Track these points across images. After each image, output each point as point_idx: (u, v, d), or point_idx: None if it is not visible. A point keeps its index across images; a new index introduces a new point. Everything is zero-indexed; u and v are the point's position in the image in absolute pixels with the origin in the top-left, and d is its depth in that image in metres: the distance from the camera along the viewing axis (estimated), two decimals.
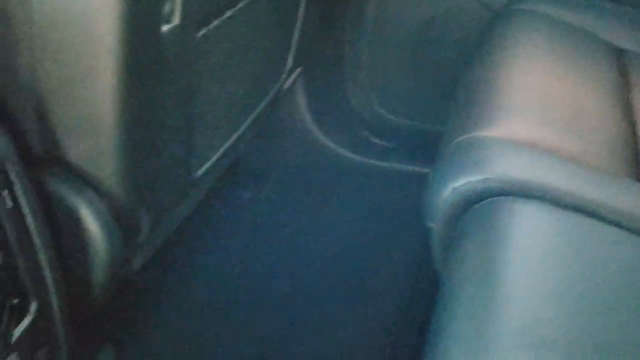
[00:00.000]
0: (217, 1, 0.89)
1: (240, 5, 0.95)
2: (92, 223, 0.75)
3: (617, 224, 0.67)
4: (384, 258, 1.33)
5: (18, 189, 0.67)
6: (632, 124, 0.87)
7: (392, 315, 1.21)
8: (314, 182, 1.48)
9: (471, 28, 1.33)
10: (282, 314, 1.23)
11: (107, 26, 0.68)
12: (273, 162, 1.49)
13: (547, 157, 0.72)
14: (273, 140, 1.47)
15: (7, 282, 0.67)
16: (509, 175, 0.69)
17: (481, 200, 0.68)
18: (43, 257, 0.71)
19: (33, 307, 0.70)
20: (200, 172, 0.97)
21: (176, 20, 0.75)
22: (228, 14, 0.91)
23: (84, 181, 0.75)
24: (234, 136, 1.08)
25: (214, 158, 1.02)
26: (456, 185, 0.69)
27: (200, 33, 0.84)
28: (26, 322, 0.69)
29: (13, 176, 0.67)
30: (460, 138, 0.76)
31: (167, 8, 0.74)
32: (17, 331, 0.68)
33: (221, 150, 1.04)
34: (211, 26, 0.87)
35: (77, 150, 0.74)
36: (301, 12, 1.25)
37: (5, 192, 0.66)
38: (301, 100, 1.44)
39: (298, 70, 1.36)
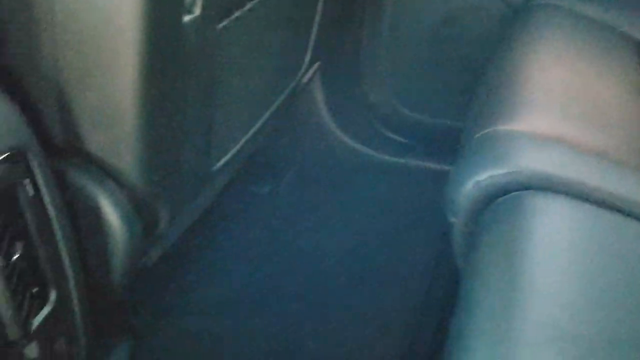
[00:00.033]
0: None
1: None
2: (112, 214, 0.75)
3: None
4: (400, 254, 1.33)
5: (39, 178, 0.67)
6: None
7: (408, 312, 1.21)
8: (330, 177, 1.48)
9: (490, 24, 1.32)
10: (298, 309, 1.23)
11: (129, 15, 0.68)
12: (290, 157, 1.49)
13: (571, 151, 0.72)
14: (290, 136, 1.46)
15: (27, 271, 0.67)
16: (532, 170, 0.68)
17: (504, 194, 0.67)
18: (63, 247, 0.71)
19: (52, 296, 0.70)
20: (218, 165, 0.97)
21: (197, 10, 0.75)
22: (248, 6, 0.91)
23: (105, 172, 0.75)
24: (252, 130, 1.08)
25: (232, 151, 1.02)
26: (479, 179, 0.68)
27: (221, 25, 0.84)
28: (46, 311, 0.69)
29: (34, 165, 0.67)
30: (483, 132, 0.75)
31: None
32: (37, 320, 0.68)
33: (239, 144, 1.04)
34: (232, 17, 0.86)
35: (97, 141, 0.74)
36: (320, 6, 1.24)
37: (27, 181, 0.66)
38: (318, 95, 1.44)
39: (316, 65, 1.35)
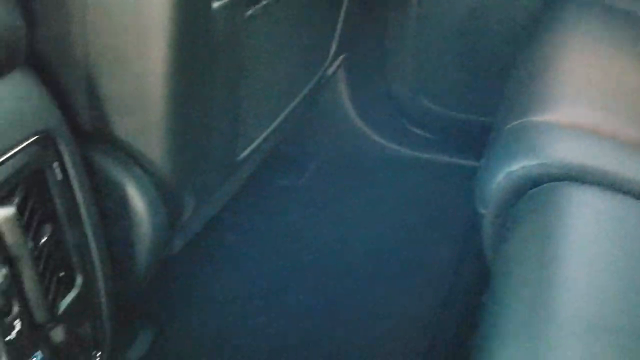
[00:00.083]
0: None
1: None
2: (138, 200, 0.75)
3: None
4: (422, 250, 1.32)
5: (68, 162, 0.67)
6: None
7: (431, 307, 1.20)
8: (353, 171, 1.47)
9: (518, 18, 1.30)
10: (320, 304, 1.22)
11: (159, 2, 0.67)
12: (312, 151, 1.48)
13: (604, 142, 0.70)
14: (313, 129, 1.46)
15: (55, 255, 0.67)
16: (565, 160, 0.67)
17: (537, 185, 0.66)
18: (90, 232, 0.71)
19: (79, 281, 0.70)
20: (244, 154, 0.97)
21: None
22: None
23: (132, 159, 0.75)
24: (277, 120, 1.08)
25: (257, 141, 1.01)
26: (511, 170, 0.67)
27: (249, 12, 0.84)
28: (72, 295, 0.69)
29: (63, 149, 0.67)
30: (515, 123, 0.74)
31: None
32: (63, 304, 0.68)
33: (264, 134, 1.04)
34: (259, 5, 0.86)
35: (125, 127, 0.74)
36: None
37: (56, 165, 0.66)
38: (343, 88, 1.43)
39: (341, 58, 1.35)
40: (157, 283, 0.93)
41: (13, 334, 0.62)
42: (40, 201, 0.65)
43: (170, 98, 0.72)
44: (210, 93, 0.81)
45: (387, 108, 1.46)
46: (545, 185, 0.66)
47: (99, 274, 0.73)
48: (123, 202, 0.75)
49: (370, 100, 1.45)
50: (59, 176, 0.66)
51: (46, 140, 0.64)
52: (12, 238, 0.60)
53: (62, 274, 0.68)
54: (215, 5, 0.74)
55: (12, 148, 0.61)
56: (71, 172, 0.68)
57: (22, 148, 0.62)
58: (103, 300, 0.75)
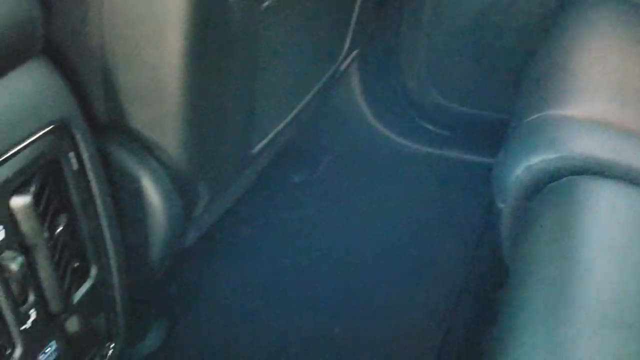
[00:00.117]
0: None
1: None
2: (153, 192, 0.75)
3: None
4: (435, 246, 1.31)
5: (84, 152, 0.67)
6: None
7: (444, 303, 1.19)
8: (365, 167, 1.47)
9: (533, 13, 1.29)
10: (333, 298, 1.22)
11: None
12: (325, 146, 1.48)
13: (624, 136, 0.70)
14: (326, 124, 1.45)
15: (70, 245, 0.67)
16: (586, 154, 0.66)
17: (556, 179, 0.65)
18: (105, 223, 0.71)
19: (93, 271, 0.70)
20: (258, 148, 0.97)
21: None
22: None
23: (147, 150, 0.75)
24: (291, 115, 1.07)
25: (271, 135, 1.01)
26: (530, 163, 0.67)
27: (265, 4, 0.83)
28: (86, 286, 0.69)
29: (79, 139, 0.66)
30: (533, 117, 0.73)
31: None
32: (78, 294, 0.68)
33: (278, 128, 1.03)
34: None
35: (141, 118, 0.74)
36: None
37: (72, 155, 0.66)
38: (356, 84, 1.42)
39: (354, 53, 1.34)
40: (170, 276, 0.93)
41: (28, 323, 0.62)
42: (56, 191, 0.65)
43: (186, 90, 0.72)
44: (225, 85, 0.80)
45: (400, 104, 1.45)
46: (564, 179, 0.65)
47: (114, 265, 0.73)
48: (138, 193, 0.75)
49: (383, 96, 1.45)
50: (75, 166, 0.66)
51: (62, 130, 0.64)
52: (28, 227, 0.60)
53: (76, 264, 0.68)
54: None
55: (28, 137, 0.61)
56: (87, 162, 0.67)
57: (38, 137, 0.62)
58: (117, 291, 0.75)
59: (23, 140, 0.60)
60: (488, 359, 0.54)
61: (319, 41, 1.14)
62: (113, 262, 0.73)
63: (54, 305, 0.64)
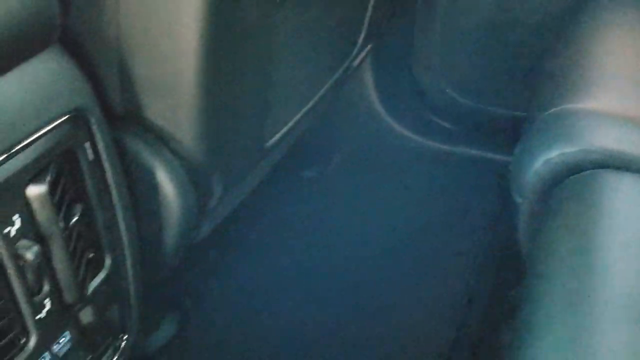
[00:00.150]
0: None
1: None
2: (168, 184, 0.75)
3: None
4: (448, 242, 1.31)
5: (100, 142, 0.67)
6: None
7: (458, 299, 1.18)
8: (377, 164, 1.46)
9: (549, 9, 1.28)
10: (344, 295, 1.21)
11: None
12: (337, 142, 1.47)
13: None
14: (338, 119, 1.45)
15: (85, 235, 0.67)
16: (606, 147, 0.66)
17: (576, 172, 0.65)
18: (120, 213, 0.71)
19: (108, 262, 0.70)
20: (271, 142, 0.96)
21: None
22: None
23: (161, 141, 0.75)
24: (304, 109, 1.07)
25: (285, 129, 1.01)
26: (549, 157, 0.66)
27: None
28: (101, 276, 0.69)
29: (95, 129, 0.66)
30: (552, 110, 0.73)
31: None
32: (92, 285, 0.68)
33: (291, 123, 1.03)
34: None
35: (156, 109, 0.73)
36: None
37: (87, 145, 0.65)
38: (369, 80, 1.42)
39: (368, 48, 1.33)
40: (183, 269, 0.93)
41: (43, 313, 0.61)
42: (72, 181, 0.64)
43: (201, 81, 0.72)
44: (240, 77, 0.80)
45: (413, 100, 1.44)
46: (584, 172, 0.65)
47: (128, 256, 0.73)
48: (152, 185, 0.74)
49: (396, 92, 1.44)
50: (91, 156, 0.66)
51: (78, 120, 0.64)
52: (43, 216, 0.60)
53: (91, 255, 0.68)
54: None
55: (44, 126, 0.60)
56: (102, 152, 0.67)
57: (55, 127, 0.61)
58: (131, 283, 0.75)
59: (39, 129, 0.60)
60: (507, 355, 0.53)
61: (333, 35, 1.13)
62: (128, 253, 0.73)
63: (69, 296, 0.64)
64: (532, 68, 1.22)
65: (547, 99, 0.77)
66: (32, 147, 0.59)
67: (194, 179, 0.77)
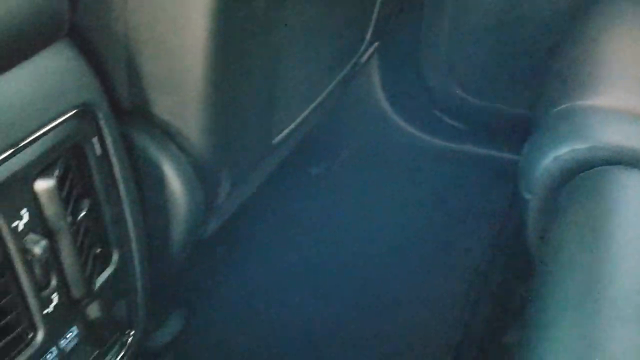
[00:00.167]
0: None
1: None
2: (175, 180, 0.75)
3: None
4: (454, 240, 1.30)
5: (107, 137, 0.67)
6: None
7: (464, 296, 1.18)
8: (384, 161, 1.46)
9: (558, 7, 1.27)
10: (351, 292, 1.21)
11: None
12: (344, 139, 1.47)
13: None
14: (345, 117, 1.44)
15: (92, 231, 0.66)
16: (616, 144, 0.65)
17: (586, 169, 0.64)
18: (127, 209, 0.70)
19: (115, 257, 0.70)
20: (278, 138, 0.96)
21: None
22: None
23: (169, 137, 0.75)
24: (311, 106, 1.07)
25: (292, 126, 1.00)
26: (559, 153, 0.66)
27: None
28: (108, 272, 0.69)
29: (103, 124, 0.66)
30: (560, 107, 0.72)
31: None
32: (100, 280, 0.68)
33: (298, 120, 1.03)
34: None
35: (164, 105, 0.73)
36: None
37: (95, 139, 0.65)
38: (376, 77, 1.42)
39: (375, 45, 1.33)
40: (189, 265, 0.93)
41: (50, 308, 0.61)
42: (79, 176, 0.64)
43: (209, 76, 0.72)
44: (248, 73, 0.80)
45: (420, 97, 1.44)
46: (594, 169, 0.64)
47: (135, 252, 0.73)
48: (159, 180, 0.74)
49: (403, 90, 1.44)
50: (98, 151, 0.66)
51: (86, 114, 0.64)
52: (51, 210, 0.59)
53: (98, 250, 0.68)
54: None
55: (52, 121, 0.60)
56: (110, 147, 0.67)
57: (63, 121, 0.61)
58: (138, 279, 0.74)
59: (47, 124, 0.60)
60: (516, 352, 0.53)
61: (341, 32, 1.13)
62: (135, 248, 0.72)
63: (76, 291, 0.64)
64: (539, 66, 1.22)
65: (556, 96, 0.77)
66: (40, 141, 0.59)
67: (201, 175, 0.77)
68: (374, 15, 1.23)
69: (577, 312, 0.49)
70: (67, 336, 0.65)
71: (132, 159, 0.72)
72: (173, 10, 0.69)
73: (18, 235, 0.57)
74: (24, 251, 0.57)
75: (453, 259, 1.26)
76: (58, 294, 0.62)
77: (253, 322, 1.13)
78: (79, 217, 0.63)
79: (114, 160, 0.68)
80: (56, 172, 0.60)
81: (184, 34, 0.69)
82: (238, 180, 0.89)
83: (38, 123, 0.59)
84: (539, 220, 0.69)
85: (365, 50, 1.26)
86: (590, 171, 0.64)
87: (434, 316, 1.15)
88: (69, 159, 0.62)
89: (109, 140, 0.67)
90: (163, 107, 0.73)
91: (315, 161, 1.45)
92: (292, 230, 1.32)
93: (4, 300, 0.57)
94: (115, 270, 0.70)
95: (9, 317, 0.58)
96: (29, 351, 0.61)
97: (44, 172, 0.59)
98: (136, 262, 0.73)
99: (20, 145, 0.57)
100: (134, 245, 0.72)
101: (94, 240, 0.67)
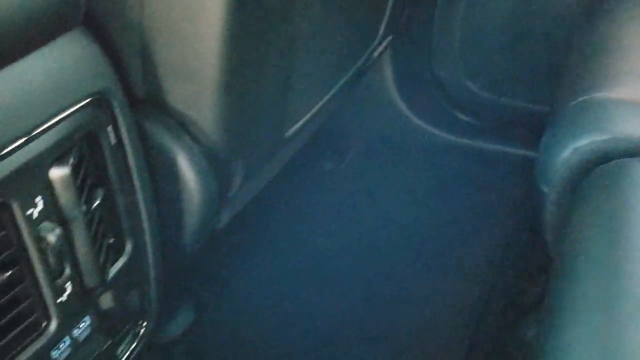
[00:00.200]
0: None
1: None
2: (188, 170, 0.74)
3: None
4: (466, 236, 1.29)
5: (122, 126, 0.66)
6: None
7: (477, 292, 1.17)
8: (396, 156, 1.45)
9: (572, 1, 1.26)
10: (360, 285, 1.20)
11: None
12: (356, 134, 1.46)
13: None
14: (357, 112, 1.44)
15: (106, 220, 0.66)
16: (637, 136, 0.64)
17: (606, 161, 0.63)
18: (141, 198, 0.70)
19: (128, 247, 0.70)
20: (291, 131, 0.96)
21: None
22: None
23: (182, 127, 0.74)
24: (324, 100, 1.06)
25: (304, 119, 1.00)
26: (578, 145, 0.65)
27: None
28: (121, 262, 0.69)
29: (117, 113, 0.66)
30: (580, 99, 0.71)
31: None
32: (113, 270, 0.67)
33: (311, 113, 1.02)
34: None
35: (177, 94, 0.73)
36: None
37: (110, 128, 0.65)
38: (388, 72, 1.41)
39: (388, 39, 1.32)
40: (201, 258, 0.93)
41: (64, 297, 0.61)
42: (94, 165, 0.64)
43: (223, 66, 0.71)
44: (262, 64, 0.79)
45: (432, 92, 1.43)
46: (614, 161, 0.63)
47: (149, 242, 0.72)
48: (173, 171, 0.74)
49: (416, 85, 1.43)
50: (113, 140, 0.65)
51: (101, 103, 0.64)
52: (66, 198, 0.59)
53: (112, 240, 0.68)
54: None
55: (67, 108, 0.60)
56: (125, 136, 0.67)
57: (77, 109, 0.61)
58: (151, 269, 0.74)
59: (62, 112, 0.59)
60: (536, 347, 0.52)
61: (354, 26, 1.12)
62: (148, 238, 0.72)
63: (89, 280, 0.63)
64: (553, 60, 1.21)
65: (574, 89, 0.76)
66: (55, 129, 0.58)
67: (215, 166, 0.76)
68: (388, 9, 1.22)
69: (598, 308, 0.49)
70: (80, 326, 0.64)
71: (145, 148, 0.72)
72: (188, 0, 0.68)
73: (33, 223, 0.57)
74: (39, 239, 0.57)
75: (465, 255, 1.25)
76: (71, 283, 0.62)
77: (264, 315, 1.13)
78: (93, 206, 0.63)
79: (129, 149, 0.67)
80: (71, 161, 0.59)
81: (199, 22, 0.69)
82: (251, 172, 0.89)
83: (53, 111, 0.59)
84: (556, 214, 0.69)
85: (379, 44, 1.25)
86: (610, 163, 0.63)
87: (446, 311, 1.15)
88: (83, 147, 0.62)
89: (123, 129, 0.66)
90: (177, 96, 0.73)
91: (327, 156, 1.45)
92: (304, 224, 1.31)
93: (18, 288, 0.57)
94: (129, 261, 0.70)
95: (22, 305, 0.57)
96: (42, 340, 0.60)
97: (58, 160, 0.59)
98: (149, 252, 0.73)
99: (35, 133, 0.57)
100: (147, 236, 0.72)
101: (107, 230, 0.67)
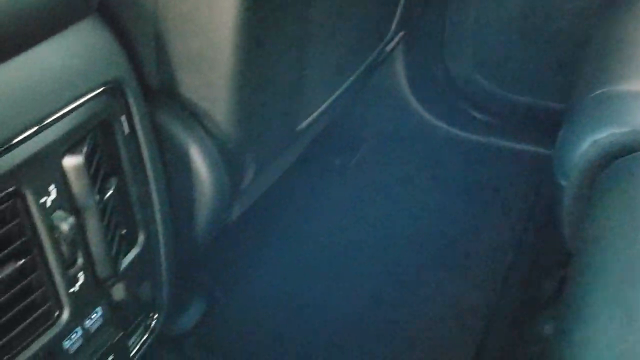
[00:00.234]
0: None
1: None
2: (201, 162, 0.74)
3: None
4: (479, 232, 1.28)
5: (135, 115, 0.66)
6: None
7: (491, 287, 1.16)
8: (407, 152, 1.44)
9: None
10: (371, 280, 1.20)
11: None
12: (366, 130, 1.46)
13: None
14: (368, 107, 1.43)
15: (119, 211, 0.66)
16: None
17: (625, 154, 0.62)
18: (154, 189, 0.70)
19: (141, 238, 0.69)
20: (302, 125, 0.95)
21: None
22: None
23: (195, 119, 0.74)
24: (335, 94, 1.06)
25: (316, 113, 0.99)
26: (597, 138, 0.64)
27: None
28: (134, 253, 0.68)
29: (131, 102, 0.65)
30: (598, 92, 0.70)
31: None
32: (125, 261, 0.67)
33: (322, 107, 1.02)
34: None
35: (192, 85, 0.72)
36: None
37: (123, 118, 0.65)
38: (400, 67, 1.40)
39: (400, 35, 1.31)
40: (212, 252, 0.92)
41: (76, 287, 0.61)
42: (107, 154, 0.64)
43: (237, 58, 0.71)
44: (275, 57, 0.79)
45: (444, 89, 1.42)
46: (634, 154, 0.62)
47: (161, 233, 0.72)
48: (185, 162, 0.73)
49: (428, 81, 1.42)
50: (126, 130, 0.65)
51: (115, 92, 0.63)
52: (79, 187, 0.59)
53: (124, 231, 0.67)
54: None
55: (81, 97, 0.60)
56: (138, 126, 0.66)
57: (91, 97, 0.60)
58: (163, 261, 0.74)
59: (76, 100, 0.59)
60: (554, 342, 0.51)
61: (366, 20, 1.12)
62: (161, 230, 0.72)
63: (102, 270, 0.63)
64: (567, 57, 1.20)
65: (592, 82, 0.75)
66: (69, 117, 0.58)
67: (227, 158, 0.76)
68: (400, 5, 1.21)
69: (618, 302, 0.48)
70: (92, 317, 0.64)
71: (158, 140, 0.71)
72: None
73: (46, 212, 0.56)
74: (52, 228, 0.57)
75: (478, 251, 1.24)
76: (84, 273, 0.61)
77: (274, 309, 1.12)
78: (106, 196, 0.63)
79: (142, 139, 0.67)
80: (84, 149, 0.59)
81: (213, 11, 0.68)
82: (262, 166, 0.88)
83: (67, 99, 0.58)
84: (574, 208, 0.68)
85: (391, 39, 1.24)
86: (629, 156, 0.62)
87: (458, 307, 1.14)
88: (97, 136, 0.62)
89: (137, 119, 0.66)
90: (191, 86, 0.72)
91: (338, 152, 1.44)
92: (313, 219, 1.31)
93: (30, 277, 0.56)
94: (141, 252, 0.69)
95: (35, 294, 0.57)
96: (55, 330, 0.60)
97: (72, 149, 0.58)
98: (162, 244, 0.72)
99: (49, 121, 0.56)
100: (159, 227, 0.72)
101: (120, 221, 0.66)
